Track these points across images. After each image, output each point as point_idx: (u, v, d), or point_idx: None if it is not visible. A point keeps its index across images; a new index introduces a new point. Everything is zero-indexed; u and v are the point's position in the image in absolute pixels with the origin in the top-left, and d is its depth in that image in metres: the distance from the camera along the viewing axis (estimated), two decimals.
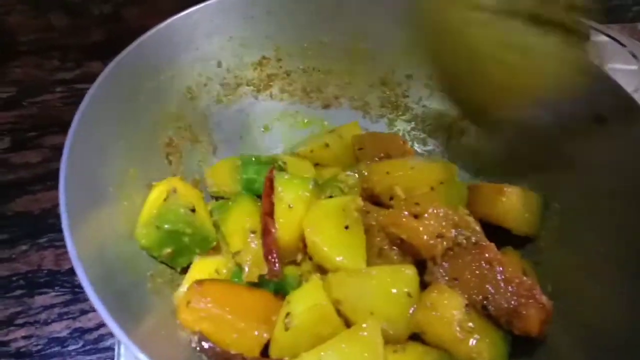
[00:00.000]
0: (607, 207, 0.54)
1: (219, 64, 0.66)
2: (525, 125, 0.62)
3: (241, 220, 0.59)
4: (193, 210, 0.55)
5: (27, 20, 0.97)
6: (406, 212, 0.53)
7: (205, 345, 0.47)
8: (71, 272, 0.73)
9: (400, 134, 0.74)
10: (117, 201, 0.51)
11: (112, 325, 0.38)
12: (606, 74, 0.58)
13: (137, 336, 0.38)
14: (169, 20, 0.58)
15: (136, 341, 0.38)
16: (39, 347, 0.67)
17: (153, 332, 0.44)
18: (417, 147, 0.73)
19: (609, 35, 0.86)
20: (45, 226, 0.78)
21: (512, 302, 0.49)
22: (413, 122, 0.73)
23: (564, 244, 0.57)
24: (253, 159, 0.65)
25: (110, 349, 0.67)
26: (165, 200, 0.54)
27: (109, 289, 0.41)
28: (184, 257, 0.57)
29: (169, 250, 0.54)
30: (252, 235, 0.57)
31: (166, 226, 0.53)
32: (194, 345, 0.47)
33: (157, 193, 0.56)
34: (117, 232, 0.48)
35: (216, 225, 0.60)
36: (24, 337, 0.67)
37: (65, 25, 0.99)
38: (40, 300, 0.71)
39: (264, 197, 0.58)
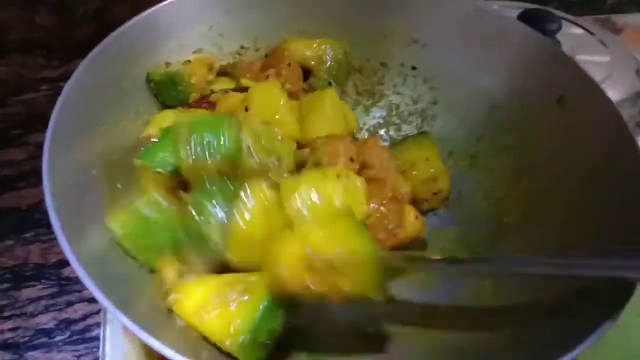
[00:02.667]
0: (574, 187, 0.56)
1: (199, 52, 0.68)
2: (491, 107, 0.65)
3: None
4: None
5: (14, 19, 0.98)
6: None
7: None
8: (57, 265, 0.74)
9: (376, 120, 0.76)
10: (99, 183, 0.52)
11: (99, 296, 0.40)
12: (568, 57, 0.60)
13: (121, 304, 0.40)
14: (151, 9, 0.60)
15: (120, 307, 0.40)
16: (26, 338, 0.68)
17: (136, 299, 0.45)
18: (393, 133, 0.75)
19: (581, 26, 0.89)
20: (31, 221, 0.78)
21: None
22: (388, 109, 0.75)
23: (531, 222, 0.59)
24: None
25: (97, 339, 0.67)
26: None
27: (98, 267, 0.43)
28: None
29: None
30: None
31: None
32: None
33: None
34: (98, 209, 0.50)
35: None
36: (11, 329, 0.68)
37: (51, 23, 1.00)
38: (26, 292, 0.71)
39: None
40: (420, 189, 0.63)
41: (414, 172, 0.63)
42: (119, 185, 0.52)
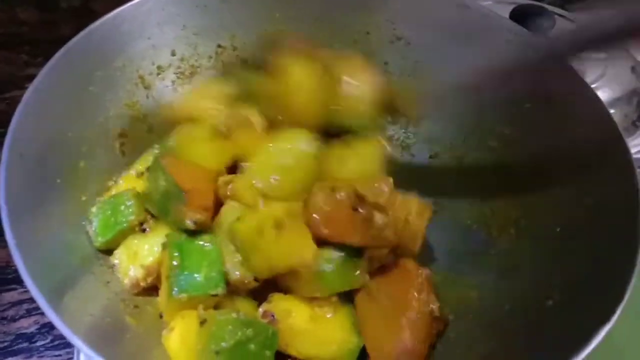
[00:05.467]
0: (563, 186, 0.55)
1: (173, 53, 0.65)
2: (479, 106, 0.63)
3: None
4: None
5: None
6: None
7: None
8: None
9: None
10: (65, 193, 0.50)
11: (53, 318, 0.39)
12: (556, 54, 0.58)
13: (76, 324, 0.38)
14: (118, 9, 0.57)
15: (82, 337, 0.38)
16: (6, 343, 0.67)
17: (97, 323, 0.43)
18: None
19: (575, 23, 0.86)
20: None
21: None
22: None
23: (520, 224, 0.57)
24: None
25: None
26: (202, 324, 0.45)
27: (51, 279, 0.41)
28: None
29: None
30: None
31: (225, 344, 0.43)
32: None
33: (183, 329, 0.46)
34: (65, 223, 0.48)
35: None
36: None
37: (34, 19, 0.99)
38: (8, 296, 0.71)
39: None
40: None
41: None
42: (83, 198, 0.51)
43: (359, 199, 0.50)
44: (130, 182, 0.56)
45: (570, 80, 0.56)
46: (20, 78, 0.97)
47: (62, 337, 0.68)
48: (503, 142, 0.61)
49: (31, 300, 0.70)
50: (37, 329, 0.68)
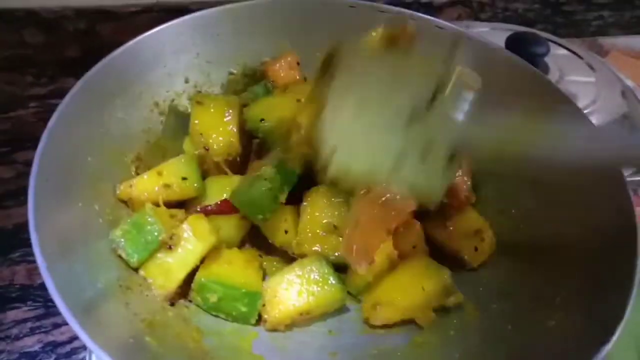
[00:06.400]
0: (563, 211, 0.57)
1: (187, 80, 0.68)
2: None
3: None
4: None
5: (2, 37, 0.97)
6: None
7: None
8: (43, 286, 0.73)
9: None
10: (86, 216, 0.52)
11: (83, 336, 0.40)
12: (553, 84, 0.61)
13: (106, 344, 0.40)
14: (137, 38, 0.59)
15: (106, 348, 0.40)
16: None
17: (121, 339, 0.45)
18: None
19: (568, 49, 0.89)
20: (18, 241, 0.77)
21: None
22: None
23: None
24: None
25: None
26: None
27: (78, 299, 0.43)
28: None
29: None
30: None
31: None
32: None
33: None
34: (87, 246, 0.49)
35: None
36: None
37: (40, 41, 1.00)
38: (12, 315, 0.71)
39: None
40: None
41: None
42: (100, 220, 0.52)
43: None
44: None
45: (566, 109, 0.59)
46: (24, 98, 0.98)
47: (65, 355, 0.68)
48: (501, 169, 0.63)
49: (35, 318, 0.71)
50: (40, 348, 0.68)
